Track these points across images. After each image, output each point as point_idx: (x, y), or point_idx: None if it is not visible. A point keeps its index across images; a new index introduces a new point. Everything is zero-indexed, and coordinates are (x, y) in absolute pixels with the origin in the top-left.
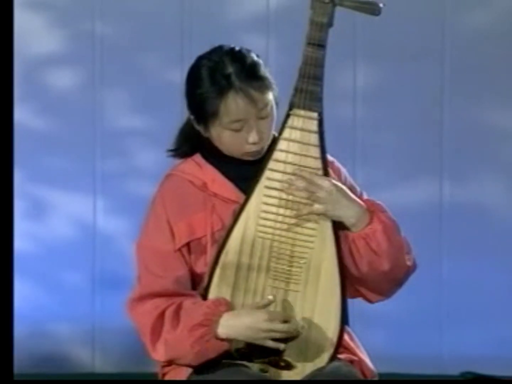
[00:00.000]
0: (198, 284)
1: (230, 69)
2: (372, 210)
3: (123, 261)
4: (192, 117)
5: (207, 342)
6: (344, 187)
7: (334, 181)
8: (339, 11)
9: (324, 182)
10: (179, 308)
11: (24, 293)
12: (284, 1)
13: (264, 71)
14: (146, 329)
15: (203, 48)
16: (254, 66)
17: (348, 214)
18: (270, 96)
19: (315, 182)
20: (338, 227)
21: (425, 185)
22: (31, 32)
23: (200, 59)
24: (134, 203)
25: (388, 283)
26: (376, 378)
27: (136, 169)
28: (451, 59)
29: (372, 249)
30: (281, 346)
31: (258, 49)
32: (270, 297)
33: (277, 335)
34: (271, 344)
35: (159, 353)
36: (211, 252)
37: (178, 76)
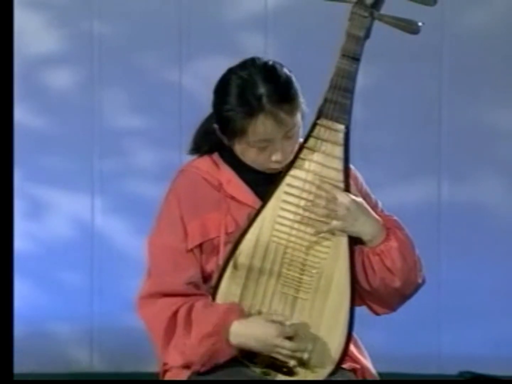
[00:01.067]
0: (207, 282)
1: (261, 90)
2: (388, 226)
3: (122, 260)
4: (217, 126)
5: (218, 350)
6: (363, 202)
7: (353, 197)
8: (339, 9)
9: (344, 199)
10: (190, 310)
11: (22, 293)
12: (282, 0)
13: (295, 89)
14: (159, 332)
15: (202, 47)
16: (286, 87)
17: (366, 230)
18: (299, 116)
19: (335, 198)
20: (354, 240)
21: (423, 184)
22: (29, 32)
23: (231, 73)
24: (132, 203)
25: (397, 298)
26: None
27: (134, 168)
28: (449, 59)
29: (386, 266)
30: (291, 362)
31: (256, 49)
32: (288, 323)
33: (285, 352)
34: (279, 357)
35: (172, 358)
36: (223, 253)
37: (177, 76)
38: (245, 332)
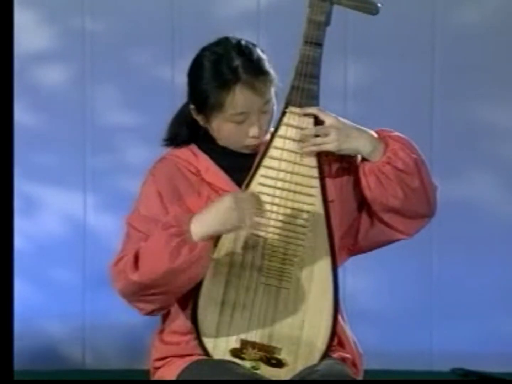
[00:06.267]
0: None
1: (236, 62)
2: (383, 135)
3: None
4: (192, 106)
5: (184, 249)
6: (349, 121)
7: (339, 118)
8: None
9: (330, 120)
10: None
11: (14, 290)
12: None
13: (269, 65)
14: (126, 267)
15: (194, 44)
16: (260, 60)
17: (362, 143)
18: (273, 91)
19: (322, 121)
20: (356, 173)
21: None
22: (21, 29)
23: (204, 50)
24: (124, 200)
25: (422, 202)
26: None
27: (126, 165)
28: (441, 56)
29: (399, 169)
30: (262, 233)
31: None
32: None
33: (247, 212)
34: (245, 221)
35: (141, 276)
36: None
37: (169, 73)
38: (203, 216)
